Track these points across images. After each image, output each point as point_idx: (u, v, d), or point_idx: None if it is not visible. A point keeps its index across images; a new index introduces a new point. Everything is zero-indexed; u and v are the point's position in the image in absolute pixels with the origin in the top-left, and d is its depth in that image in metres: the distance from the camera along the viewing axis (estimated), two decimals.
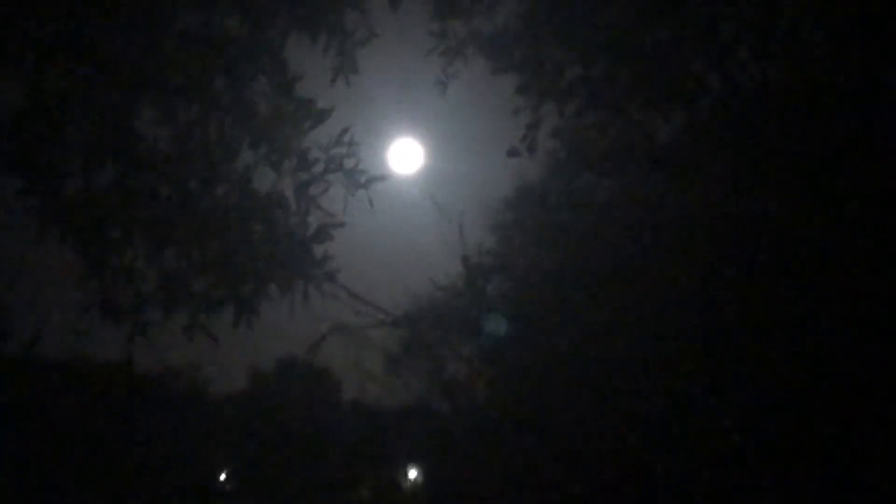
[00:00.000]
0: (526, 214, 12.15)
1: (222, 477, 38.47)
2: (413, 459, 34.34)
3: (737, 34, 7.88)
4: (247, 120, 7.01)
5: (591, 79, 7.70)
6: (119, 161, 7.14)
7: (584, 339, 10.04)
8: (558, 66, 7.76)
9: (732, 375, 8.66)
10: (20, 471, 28.82)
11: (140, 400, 33.14)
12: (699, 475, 9.10)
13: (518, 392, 12.05)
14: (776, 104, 8.32)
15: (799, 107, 8.13)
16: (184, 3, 7.10)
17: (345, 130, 7.06)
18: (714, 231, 8.53)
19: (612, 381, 9.69)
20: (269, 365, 38.65)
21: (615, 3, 7.73)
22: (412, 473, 35.80)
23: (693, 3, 7.82)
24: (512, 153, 8.56)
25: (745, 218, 8.31)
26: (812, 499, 8.46)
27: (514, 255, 11.71)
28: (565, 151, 9.67)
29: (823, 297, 7.93)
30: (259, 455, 35.69)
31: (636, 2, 7.64)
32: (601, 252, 9.85)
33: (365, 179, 7.12)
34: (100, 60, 6.77)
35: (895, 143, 7.55)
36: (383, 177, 7.22)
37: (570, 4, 7.76)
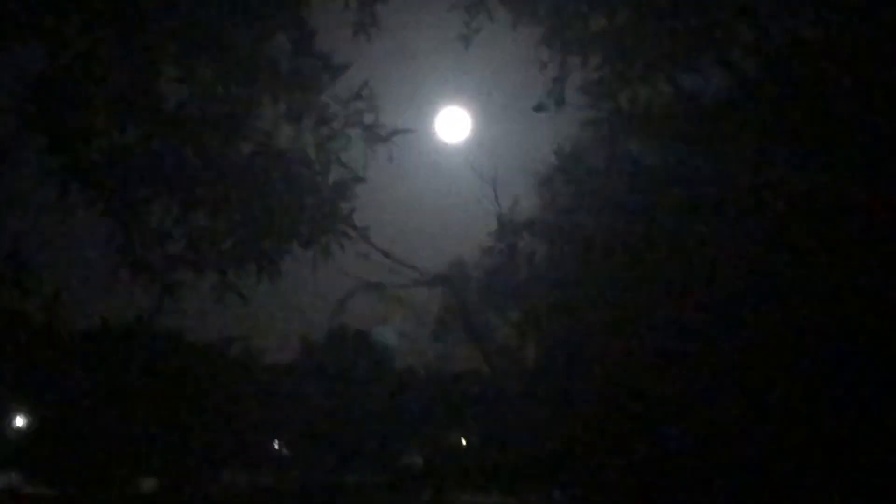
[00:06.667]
0: (563, 177, 12.05)
1: (276, 444, 38.93)
2: (464, 425, 34.40)
3: None
4: (267, 77, 7.01)
5: (613, 30, 7.55)
6: (143, 122, 7.18)
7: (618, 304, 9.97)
8: (581, 16, 7.62)
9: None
10: (68, 435, 29.46)
11: (195, 367, 33.63)
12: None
13: (562, 358, 12.03)
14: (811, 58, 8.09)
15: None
16: None
17: (363, 85, 7.04)
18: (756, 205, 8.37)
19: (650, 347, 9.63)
20: (322, 335, 38.87)
21: None
22: (463, 440, 35.89)
23: None
24: (539, 108, 8.47)
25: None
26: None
27: (549, 215, 11.66)
28: (601, 111, 9.50)
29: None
30: (312, 422, 36.00)
31: None
32: (634, 219, 9.72)
33: (385, 133, 7.10)
34: (120, 20, 6.79)
35: None
36: (404, 130, 7.19)
37: None
